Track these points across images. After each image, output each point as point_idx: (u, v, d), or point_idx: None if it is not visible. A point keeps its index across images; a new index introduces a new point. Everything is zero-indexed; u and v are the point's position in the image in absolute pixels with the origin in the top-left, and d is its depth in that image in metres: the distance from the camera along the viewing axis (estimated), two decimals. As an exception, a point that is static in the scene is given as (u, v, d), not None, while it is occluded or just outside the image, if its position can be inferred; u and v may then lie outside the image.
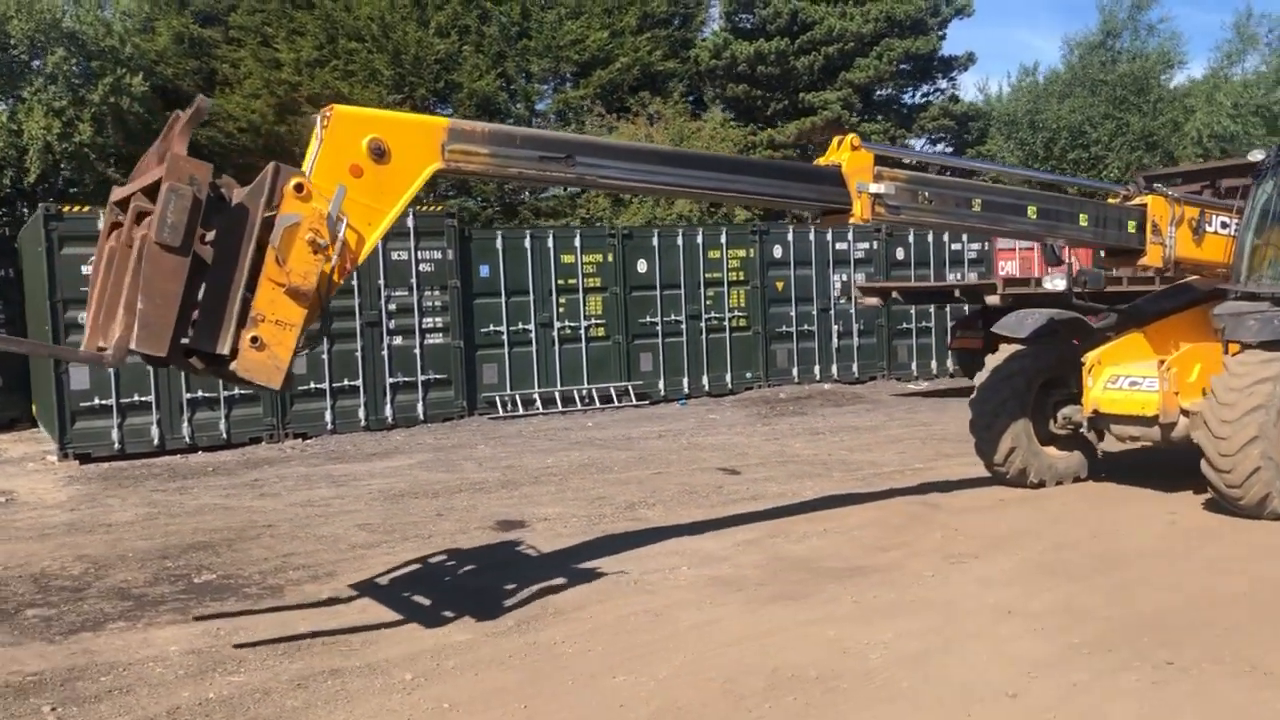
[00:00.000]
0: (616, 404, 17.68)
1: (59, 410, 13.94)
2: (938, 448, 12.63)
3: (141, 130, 26.86)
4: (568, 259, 17.56)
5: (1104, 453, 10.28)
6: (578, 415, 16.98)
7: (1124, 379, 9.27)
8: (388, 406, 16.06)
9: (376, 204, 5.95)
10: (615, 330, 17.95)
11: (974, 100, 33.22)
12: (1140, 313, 10.04)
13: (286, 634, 6.34)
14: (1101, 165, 29.36)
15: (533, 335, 17.31)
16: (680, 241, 18.48)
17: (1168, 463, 10.30)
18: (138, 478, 12.67)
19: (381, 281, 15.92)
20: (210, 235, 5.48)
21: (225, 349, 5.38)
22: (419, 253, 16.27)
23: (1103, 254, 9.81)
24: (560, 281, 17.49)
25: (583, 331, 17.69)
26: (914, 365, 20.91)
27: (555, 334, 17.49)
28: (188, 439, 14.57)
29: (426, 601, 7.03)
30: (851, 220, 7.97)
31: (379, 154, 5.82)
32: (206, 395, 14.70)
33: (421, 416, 16.31)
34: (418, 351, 16.26)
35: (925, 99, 31.49)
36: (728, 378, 18.98)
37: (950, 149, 30.08)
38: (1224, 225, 9.76)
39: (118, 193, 6.13)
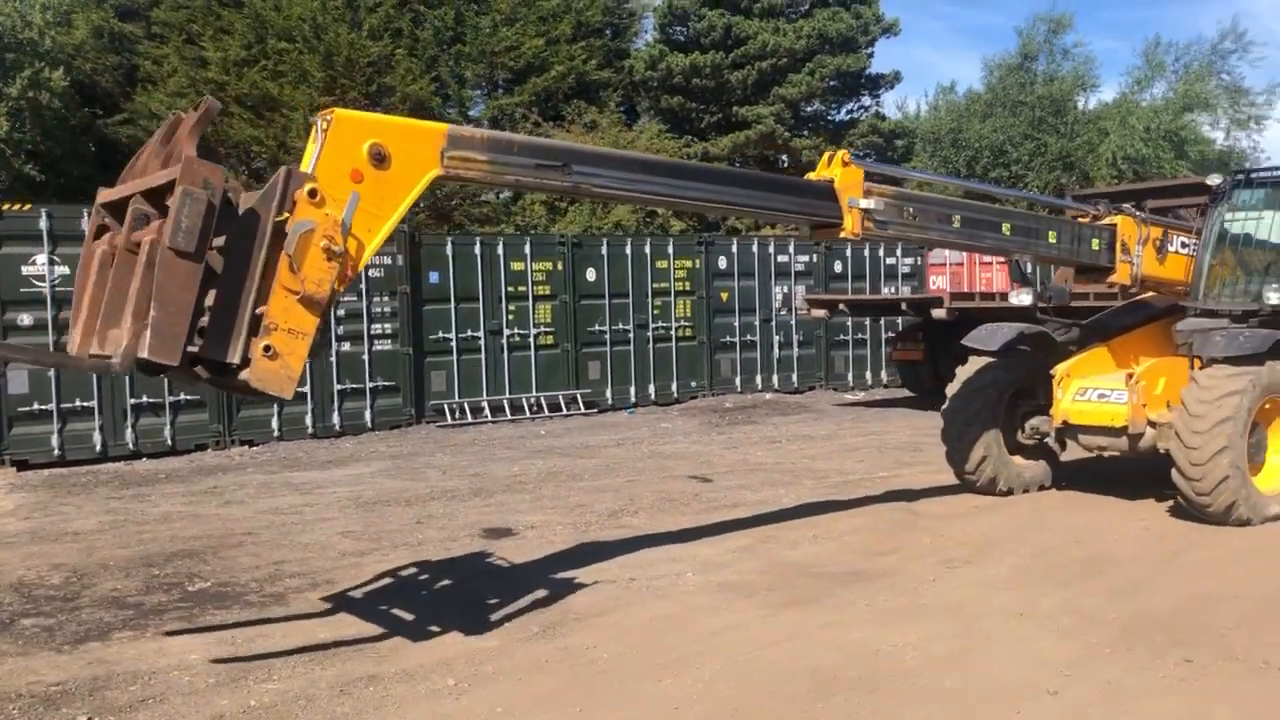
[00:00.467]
0: (565, 412, 17.69)
1: (-5, 415, 13.46)
2: (895, 456, 12.92)
3: (58, 126, 26.11)
4: (517, 266, 17.53)
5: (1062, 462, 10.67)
6: (527, 424, 16.94)
7: (1092, 391, 9.64)
8: (335, 414, 15.83)
9: (376, 210, 5.82)
10: (564, 338, 17.97)
11: (892, 117, 33.95)
12: (1103, 327, 10.45)
13: (308, 642, 6.25)
14: (1021, 184, 30.31)
15: (482, 343, 17.22)
16: (629, 250, 18.59)
17: (1123, 472, 10.77)
18: (86, 485, 12.29)
19: (331, 286, 15.65)
20: (219, 241, 5.35)
21: (236, 358, 5.23)
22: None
23: (1072, 271, 10.15)
24: (510, 289, 17.44)
25: (532, 339, 17.66)
26: (850, 376, 21.33)
27: (504, 341, 17.42)
28: (131, 445, 14.17)
29: (439, 608, 6.99)
30: (842, 235, 8.12)
31: (379, 159, 5.72)
32: (151, 401, 14.32)
33: (369, 424, 16.12)
34: (366, 358, 16.07)
35: (850, 115, 32.16)
36: (673, 387, 19.13)
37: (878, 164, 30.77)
38: (1183, 245, 10.21)
39: (106, 194, 5.97)
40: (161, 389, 14.26)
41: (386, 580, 7.74)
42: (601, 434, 15.62)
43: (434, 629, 6.43)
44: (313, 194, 5.39)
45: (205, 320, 5.23)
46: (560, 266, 17.93)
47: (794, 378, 20.54)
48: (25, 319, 13.50)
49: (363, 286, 16.01)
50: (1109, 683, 5.32)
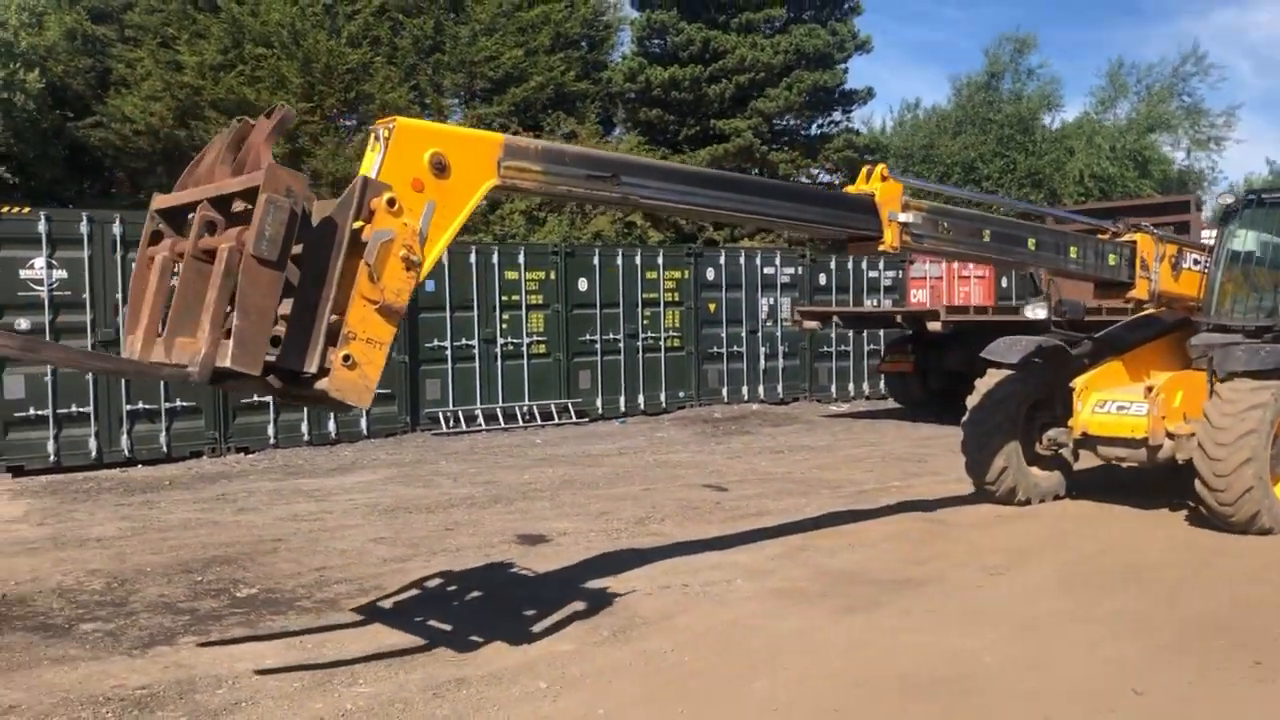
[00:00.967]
0: (557, 421, 17.71)
1: (-9, 420, 13.22)
2: (901, 467, 13.11)
3: (29, 128, 25.68)
4: (511, 275, 17.55)
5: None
6: (520, 432, 16.94)
7: (1112, 404, 9.87)
8: (331, 421, 15.72)
9: (437, 220, 5.82)
10: (556, 348, 18.01)
11: (858, 132, 34.38)
12: (1116, 341, 10.71)
13: (379, 648, 6.25)
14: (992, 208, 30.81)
15: (476, 351, 17.20)
16: (619, 261, 18.68)
17: (1132, 483, 11.02)
18: (89, 491, 12.11)
19: (329, 293, 15.57)
20: (295, 249, 5.29)
21: (313, 367, 5.14)
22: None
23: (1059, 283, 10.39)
24: (504, 298, 17.45)
25: (525, 348, 17.67)
26: (834, 388, 21.57)
27: (498, 350, 17.42)
28: (127, 452, 13.98)
29: (496, 612, 7.01)
30: (881, 248, 8.21)
31: (440, 169, 5.68)
32: (147, 407, 14.14)
33: (365, 432, 16.03)
34: (363, 365, 15.94)
35: (820, 130, 32.50)
36: (662, 397, 19.23)
37: (848, 179, 31.17)
38: (1195, 262, 10.50)
39: (162, 200, 5.88)
40: (157, 395, 14.13)
41: (435, 585, 7.74)
42: (599, 443, 15.67)
43: (500, 633, 6.44)
44: (391, 203, 5.33)
45: (279, 329, 5.19)
46: (553, 276, 17.98)
47: (779, 389, 20.73)
48: (23, 323, 13.27)
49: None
50: (1189, 683, 5.49)
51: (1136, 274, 9.93)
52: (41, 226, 13.42)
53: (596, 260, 18.44)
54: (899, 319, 17.30)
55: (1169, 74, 34.99)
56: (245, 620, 6.90)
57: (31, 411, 13.35)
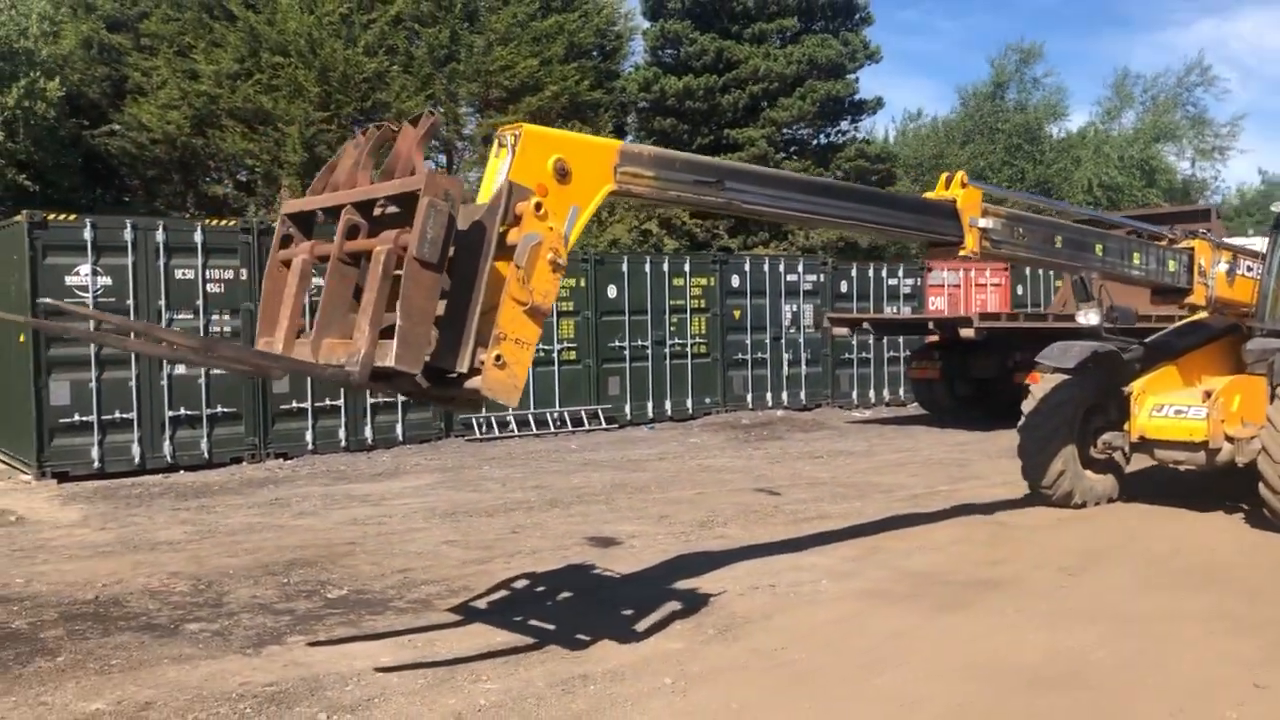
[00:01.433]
0: (587, 427, 17.79)
1: (37, 427, 13.23)
2: (944, 471, 13.23)
3: (48, 136, 25.65)
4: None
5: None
6: (552, 438, 17.02)
7: (1169, 408, 10.01)
8: (368, 427, 15.78)
9: (558, 226, 5.96)
10: (586, 354, 18.10)
11: (869, 141, 34.63)
12: (1168, 347, 10.85)
13: (490, 646, 6.31)
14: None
15: (508, 358, 17.24)
16: (648, 268, 18.80)
17: (1182, 486, 11.16)
18: (140, 497, 12.14)
19: (366, 300, 15.66)
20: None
21: (465, 367, 5.25)
22: (402, 272, 16.09)
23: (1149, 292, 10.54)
24: (535, 305, 17.49)
25: (556, 354, 17.76)
26: (855, 394, 21.70)
27: (529, 357, 17.46)
28: (169, 458, 14.02)
29: (593, 611, 7.08)
30: (962, 253, 8.37)
31: (562, 174, 5.77)
32: (189, 413, 14.19)
33: (400, 437, 16.11)
34: (398, 372, 16.02)
35: (827, 139, 32.70)
36: (688, 403, 19.34)
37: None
38: (1248, 269, 10.66)
39: (293, 205, 6.02)
40: (199, 401, 14.18)
41: (523, 585, 7.82)
42: (635, 449, 15.75)
43: (605, 631, 6.51)
44: (538, 207, 5.47)
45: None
46: (583, 283, 18.07)
47: (802, 395, 20.87)
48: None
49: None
50: (1306, 678, 5.60)
51: (1195, 280, 10.08)
52: (87, 234, 13.48)
53: (625, 267, 18.56)
54: (932, 325, 17.43)
55: (1174, 84, 35.46)
56: (346, 620, 6.96)
57: (76, 418, 13.39)
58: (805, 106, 28.80)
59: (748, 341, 20.13)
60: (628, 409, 18.53)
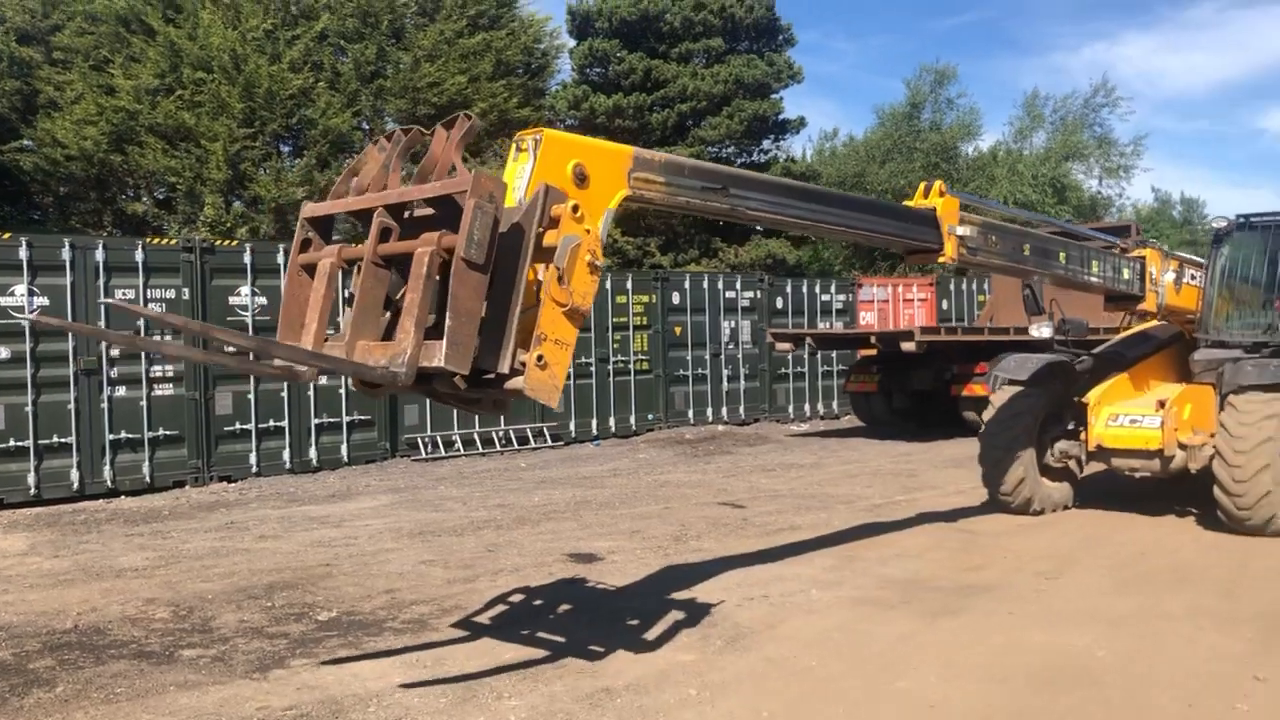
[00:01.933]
0: (533, 444, 17.74)
1: (-30, 453, 12.76)
2: (896, 482, 13.49)
3: (-48, 149, 24.76)
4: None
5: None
6: (498, 457, 16.92)
7: (1124, 417, 10.38)
8: (312, 448, 15.51)
9: (594, 228, 5.99)
10: (530, 372, 18.00)
11: (794, 159, 35.16)
12: (1117, 358, 11.24)
13: (499, 662, 6.28)
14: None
15: (452, 376, 17.11)
16: (590, 286, 18.79)
17: (1130, 492, 11.55)
18: (88, 524, 11.76)
19: (310, 319, 15.42)
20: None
21: (506, 368, 5.27)
22: (344, 291, 15.87)
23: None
24: (479, 322, 17.41)
25: (500, 373, 17.64)
26: (791, 408, 22.00)
27: (474, 375, 17.36)
28: (109, 483, 13.60)
29: (593, 625, 7.07)
30: (941, 259, 8.59)
31: (581, 179, 5.81)
32: (130, 437, 13.79)
33: (346, 458, 15.85)
34: (343, 392, 15.82)
35: (754, 158, 33.13)
36: (632, 419, 19.40)
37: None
38: (1192, 277, 11.13)
39: (313, 209, 5.96)
40: (140, 424, 13.80)
41: (519, 601, 7.78)
42: (586, 465, 15.75)
43: (616, 643, 6.53)
44: (575, 209, 5.52)
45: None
46: (527, 301, 17.99)
47: (741, 410, 21.10)
48: (2, 352, 12.90)
49: (340, 319, 15.77)
50: (1300, 670, 5.86)
51: (1146, 287, 10.49)
52: (23, 253, 13.04)
53: (568, 285, 18.52)
54: (873, 339, 17.77)
55: (1081, 105, 36.78)
56: (346, 642, 6.85)
57: (11, 443, 12.92)
58: (733, 125, 29.18)
59: (688, 358, 20.29)
60: (573, 426, 18.51)
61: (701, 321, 20.53)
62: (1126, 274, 10.45)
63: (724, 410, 20.85)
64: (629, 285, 19.39)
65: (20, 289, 13.04)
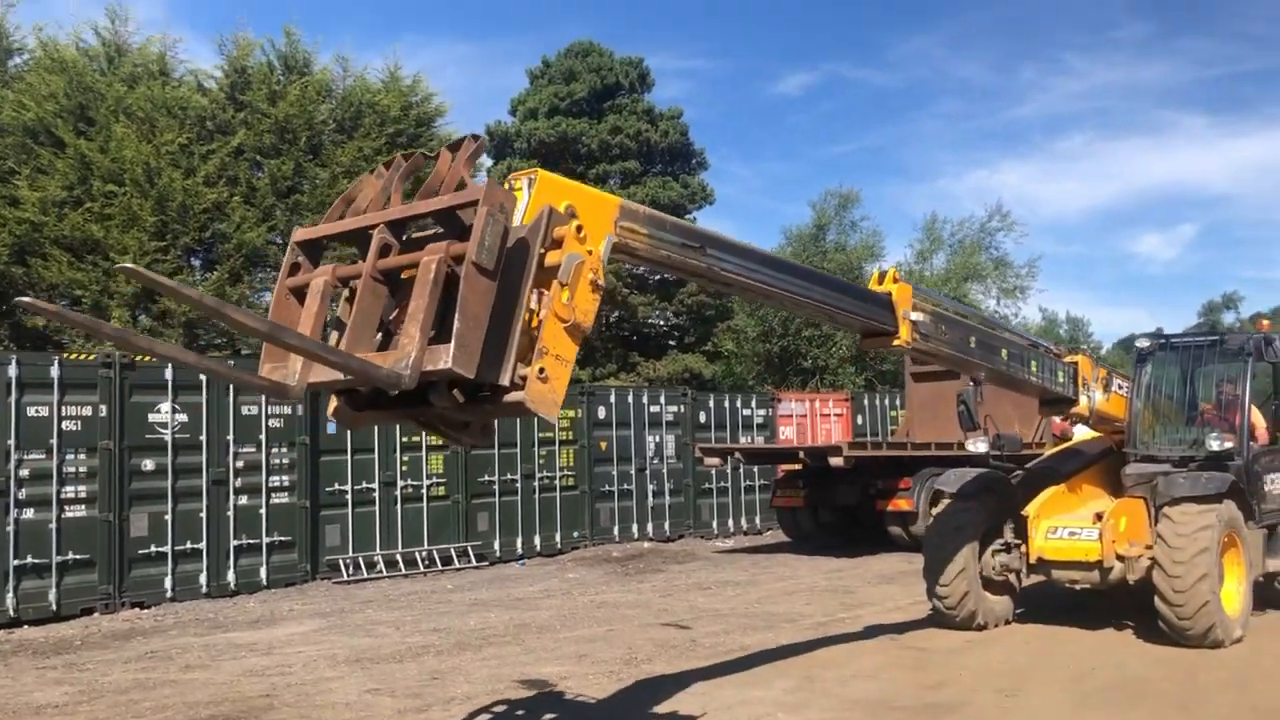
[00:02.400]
0: (456, 565, 17.31)
1: None
2: (834, 599, 13.47)
3: None
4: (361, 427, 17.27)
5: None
6: (422, 578, 16.45)
7: (1063, 530, 10.59)
8: (230, 571, 14.92)
9: (596, 250, 5.90)
10: (455, 489, 17.73)
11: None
12: (1050, 472, 11.50)
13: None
14: (831, 343, 32.50)
15: (376, 494, 16.76)
16: (516, 401, 18.66)
17: (1064, 605, 11.71)
18: (-8, 656, 11.06)
19: (231, 437, 15.01)
20: None
21: (506, 380, 5.21)
22: (269, 407, 15.54)
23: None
24: (404, 439, 17.14)
25: (424, 490, 17.33)
26: (715, 524, 21.95)
27: (398, 493, 17.02)
28: (12, 611, 12.85)
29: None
30: (896, 343, 8.70)
31: (572, 219, 5.81)
32: (36, 561, 13.10)
33: (265, 581, 15.27)
34: (264, 512, 15.33)
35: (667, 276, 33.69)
36: (557, 537, 19.12)
37: (699, 319, 32.36)
38: (1119, 386, 11.51)
39: (303, 233, 5.84)
40: (48, 548, 13.13)
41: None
42: (516, 587, 15.41)
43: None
44: (579, 229, 5.58)
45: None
46: (452, 417, 17.77)
47: (666, 526, 20.98)
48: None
49: (262, 437, 15.41)
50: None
51: (1080, 391, 10.82)
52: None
53: (494, 400, 18.37)
54: (802, 454, 17.90)
55: (977, 229, 38.41)
56: (302, 781, 6.49)
57: (-92, 569, 12.19)
58: (649, 243, 29.63)
59: (614, 473, 20.17)
60: (497, 545, 18.16)
61: (627, 436, 20.49)
62: (1061, 377, 10.76)
63: (649, 526, 20.69)
64: (555, 401, 19.28)
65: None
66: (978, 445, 11.29)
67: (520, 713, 8.03)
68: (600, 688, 8.75)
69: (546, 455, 19.08)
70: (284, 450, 15.67)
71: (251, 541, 15.17)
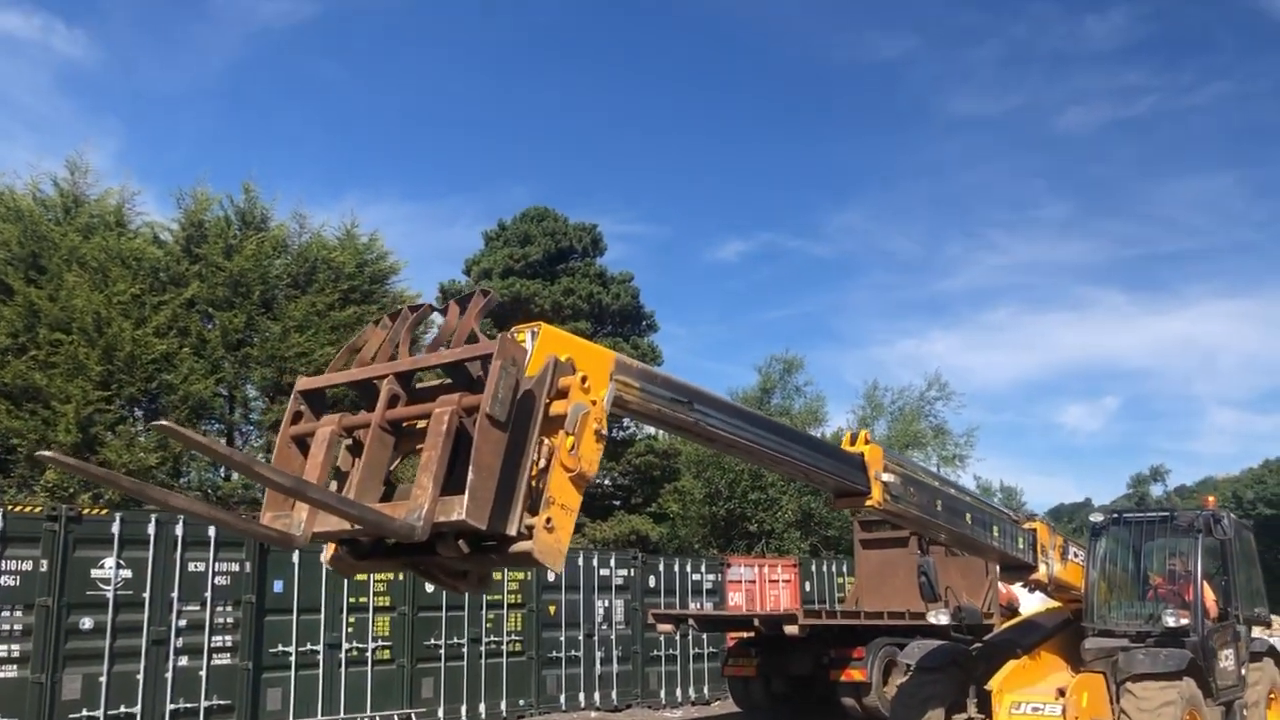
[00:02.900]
0: (400, 733, 16.75)
1: None
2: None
3: None
4: (360, 575, 16.95)
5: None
6: (364, 746, 15.88)
7: (1026, 705, 10.62)
8: (170, 743, 14.31)
9: (600, 400, 6.04)
10: (400, 653, 17.28)
11: (655, 438, 36.02)
12: (1008, 645, 11.58)
13: None
14: (776, 507, 32.64)
15: (320, 657, 16.27)
16: (466, 562, 18.42)
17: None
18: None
19: (175, 594, 14.61)
20: None
21: (513, 530, 5.24)
22: (216, 564, 15.19)
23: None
24: (352, 599, 16.77)
25: (369, 654, 16.87)
26: (663, 692, 21.51)
27: (342, 656, 16.54)
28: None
29: None
30: (868, 504, 8.80)
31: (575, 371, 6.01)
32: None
33: (205, 761, 14.64)
34: (204, 674, 14.81)
35: (620, 435, 33.76)
36: (503, 705, 18.59)
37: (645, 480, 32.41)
38: (1075, 555, 11.72)
39: (307, 383, 5.89)
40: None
41: None
42: (464, 756, 14.90)
43: None
44: (584, 380, 5.68)
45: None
46: (402, 577, 17.48)
47: (614, 694, 20.51)
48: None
49: (207, 594, 15.01)
50: None
51: (1038, 557, 10.99)
52: None
53: (444, 561, 18.12)
54: (756, 622, 17.75)
55: (917, 398, 39.32)
56: None
57: None
58: (599, 404, 29.84)
59: (562, 638, 19.80)
60: (441, 712, 17.61)
61: (576, 600, 20.20)
62: (1021, 543, 10.93)
63: (596, 695, 20.21)
64: (505, 562, 19.05)
65: None
66: (939, 617, 11.38)
67: None
68: None
69: (494, 619, 18.72)
70: (229, 609, 15.26)
71: (189, 705, 14.62)
